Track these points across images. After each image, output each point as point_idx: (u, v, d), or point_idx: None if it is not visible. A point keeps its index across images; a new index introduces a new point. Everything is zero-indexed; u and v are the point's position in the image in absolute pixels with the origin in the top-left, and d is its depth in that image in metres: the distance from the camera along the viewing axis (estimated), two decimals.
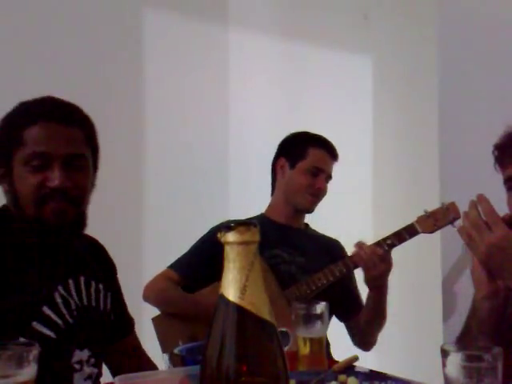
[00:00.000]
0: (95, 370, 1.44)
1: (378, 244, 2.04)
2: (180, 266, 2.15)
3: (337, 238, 2.32)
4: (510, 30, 2.06)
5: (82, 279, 1.48)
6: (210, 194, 2.87)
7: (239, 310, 0.67)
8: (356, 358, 1.37)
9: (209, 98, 2.90)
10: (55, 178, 1.34)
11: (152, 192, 2.71)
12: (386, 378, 1.23)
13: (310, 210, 2.22)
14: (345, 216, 3.15)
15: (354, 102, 3.35)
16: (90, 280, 1.50)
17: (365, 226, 3.34)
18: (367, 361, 1.67)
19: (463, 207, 1.27)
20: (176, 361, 1.72)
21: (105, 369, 1.56)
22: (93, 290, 1.50)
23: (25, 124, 1.36)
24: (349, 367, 1.33)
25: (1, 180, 1.41)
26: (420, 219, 2.07)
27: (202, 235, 2.18)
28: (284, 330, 1.38)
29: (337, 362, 1.37)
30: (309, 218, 2.29)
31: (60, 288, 1.41)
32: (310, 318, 1.32)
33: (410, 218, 3.31)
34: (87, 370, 1.41)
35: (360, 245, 2.03)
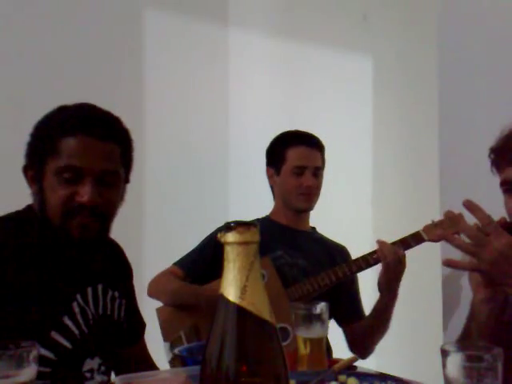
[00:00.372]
0: (105, 378, 1.43)
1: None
2: (185, 263, 2.16)
3: (335, 238, 2.31)
4: (511, 30, 2.06)
5: (100, 287, 1.47)
6: (211, 194, 2.87)
7: (239, 310, 0.67)
8: (356, 358, 1.37)
9: (209, 97, 2.90)
10: (85, 194, 1.32)
11: (152, 192, 2.71)
12: (386, 378, 1.22)
13: (309, 208, 2.22)
14: (344, 216, 3.15)
15: (354, 102, 3.36)
16: (108, 288, 1.49)
17: (365, 226, 3.34)
18: (367, 361, 1.67)
19: (463, 207, 1.26)
20: (176, 361, 1.72)
21: None
22: (109, 298, 1.49)
23: (62, 133, 1.34)
24: (349, 367, 1.33)
25: (31, 181, 1.40)
26: (427, 228, 2.06)
27: (204, 234, 2.19)
28: (284, 325, 1.38)
29: (337, 361, 1.37)
30: (310, 218, 2.28)
31: (78, 297, 1.40)
32: (310, 319, 1.32)
33: (409, 218, 3.31)
34: (98, 378, 1.40)
35: (382, 243, 2.00)
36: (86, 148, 1.33)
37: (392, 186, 3.40)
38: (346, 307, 2.16)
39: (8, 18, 2.39)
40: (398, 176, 3.41)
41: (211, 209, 2.76)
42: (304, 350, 1.32)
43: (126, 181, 1.47)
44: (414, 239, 2.05)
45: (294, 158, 2.17)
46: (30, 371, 0.89)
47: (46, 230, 1.36)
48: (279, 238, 2.14)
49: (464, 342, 1.34)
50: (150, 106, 2.72)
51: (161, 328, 2.09)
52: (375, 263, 2.04)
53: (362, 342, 2.17)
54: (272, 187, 2.28)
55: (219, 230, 2.21)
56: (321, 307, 1.33)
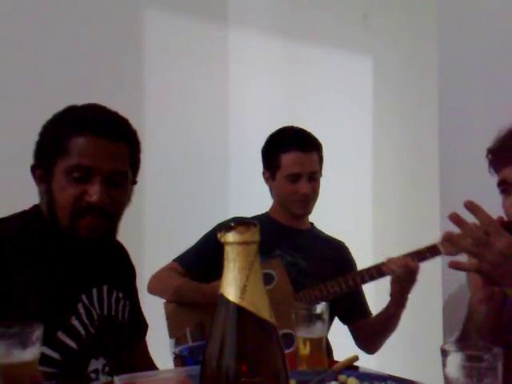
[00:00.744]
0: (109, 378, 1.43)
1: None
2: (184, 260, 2.15)
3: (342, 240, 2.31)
4: (511, 30, 2.06)
5: (105, 288, 1.47)
6: (211, 193, 2.87)
7: (239, 310, 0.67)
8: (356, 358, 1.37)
9: (209, 97, 2.90)
10: (94, 194, 1.33)
11: (152, 191, 2.71)
12: (385, 378, 1.23)
13: (306, 214, 2.20)
14: (344, 216, 3.15)
15: (354, 102, 3.35)
16: (113, 289, 1.49)
17: (365, 226, 3.34)
18: (367, 361, 1.67)
19: (463, 207, 1.26)
20: (176, 361, 1.72)
21: None
22: (114, 299, 1.49)
23: (72, 133, 1.34)
24: (349, 367, 1.33)
25: (39, 181, 1.40)
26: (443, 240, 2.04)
27: (204, 232, 2.18)
28: (289, 331, 1.38)
29: (337, 361, 1.37)
30: (309, 218, 2.28)
31: (84, 298, 1.40)
32: (310, 318, 1.32)
33: (409, 218, 3.31)
34: (102, 378, 1.40)
35: (391, 259, 1.96)
36: (96, 148, 1.34)
37: (392, 186, 3.40)
38: (350, 305, 2.15)
39: (8, 18, 2.39)
40: (397, 176, 3.41)
41: (211, 208, 2.76)
42: (304, 349, 1.32)
43: (134, 182, 1.48)
44: (430, 251, 2.00)
45: (288, 165, 2.10)
46: (33, 350, 0.89)
47: (54, 229, 1.36)
48: (278, 237, 2.13)
49: (463, 341, 1.34)
50: (150, 105, 2.72)
51: (167, 324, 2.08)
52: (388, 274, 2.00)
53: (370, 340, 2.18)
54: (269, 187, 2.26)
55: (219, 226, 2.21)
56: (321, 307, 1.33)
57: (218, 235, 0.69)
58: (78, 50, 2.49)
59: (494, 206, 1.44)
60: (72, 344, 1.35)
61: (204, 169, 2.87)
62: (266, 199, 2.30)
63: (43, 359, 1.06)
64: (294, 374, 1.21)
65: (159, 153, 2.75)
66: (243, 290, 0.67)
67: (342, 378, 1.24)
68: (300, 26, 3.15)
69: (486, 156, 1.48)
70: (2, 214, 1.42)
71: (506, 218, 1.40)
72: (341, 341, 2.22)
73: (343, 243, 2.28)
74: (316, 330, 1.32)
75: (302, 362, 1.32)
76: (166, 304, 2.12)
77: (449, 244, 1.97)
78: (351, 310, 2.16)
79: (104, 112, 1.42)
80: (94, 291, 1.44)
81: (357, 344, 2.20)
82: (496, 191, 1.48)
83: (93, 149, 1.34)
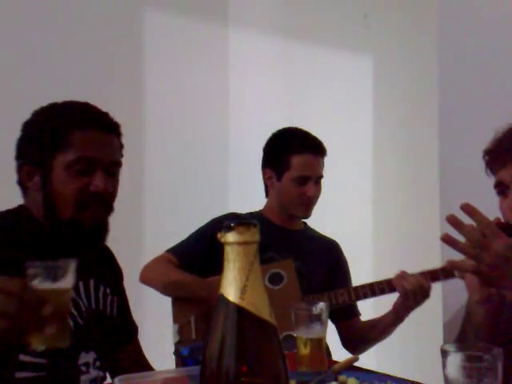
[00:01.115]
0: (100, 373, 1.44)
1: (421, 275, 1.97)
2: (179, 251, 2.13)
3: (335, 239, 2.30)
4: (511, 30, 2.06)
5: (92, 282, 1.48)
6: (210, 193, 2.87)
7: (239, 310, 0.67)
8: (356, 358, 1.37)
9: (209, 97, 2.90)
10: (100, 183, 1.37)
11: (152, 191, 2.72)
12: (386, 378, 1.23)
13: (307, 217, 2.19)
14: (345, 216, 3.16)
15: (354, 102, 3.36)
16: (99, 284, 1.50)
17: (365, 226, 3.34)
18: (367, 361, 1.67)
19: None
20: (176, 361, 1.72)
21: None
22: (101, 293, 1.50)
23: (69, 128, 1.38)
24: (349, 367, 1.33)
25: (27, 178, 1.41)
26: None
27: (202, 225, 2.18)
28: (290, 333, 1.39)
29: (337, 362, 1.37)
30: (309, 219, 2.28)
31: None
32: (309, 319, 1.32)
33: (409, 218, 3.31)
34: (93, 372, 1.41)
35: (403, 274, 1.95)
36: (95, 140, 1.40)
37: (392, 186, 3.40)
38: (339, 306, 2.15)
39: (8, 18, 2.39)
40: (398, 176, 3.41)
41: (211, 207, 2.75)
42: (304, 349, 1.32)
43: None
44: (443, 273, 1.97)
45: (299, 166, 2.10)
46: (69, 280, 1.02)
47: (51, 224, 1.38)
48: (272, 238, 2.12)
49: (462, 343, 1.34)
50: (150, 105, 2.73)
51: (172, 308, 2.07)
52: (398, 289, 1.97)
53: (359, 342, 2.17)
54: (266, 186, 2.24)
55: (214, 220, 2.19)
56: (321, 307, 1.33)
57: (218, 235, 0.68)
58: (77, 49, 2.50)
59: (494, 206, 1.44)
60: None
61: (204, 168, 2.87)
62: (265, 198, 2.30)
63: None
64: (294, 375, 1.21)
65: (159, 152, 2.75)
66: (243, 291, 0.67)
67: (342, 378, 1.25)
68: (300, 26, 3.15)
69: (483, 157, 1.48)
70: None
71: (503, 220, 1.40)
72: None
73: (336, 242, 2.27)
74: (316, 330, 1.32)
75: (302, 362, 1.33)
76: None
77: (454, 269, 1.96)
78: (342, 309, 2.15)
79: (92, 107, 1.45)
80: (81, 284, 1.44)
81: (343, 343, 2.20)
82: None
83: (92, 141, 1.39)
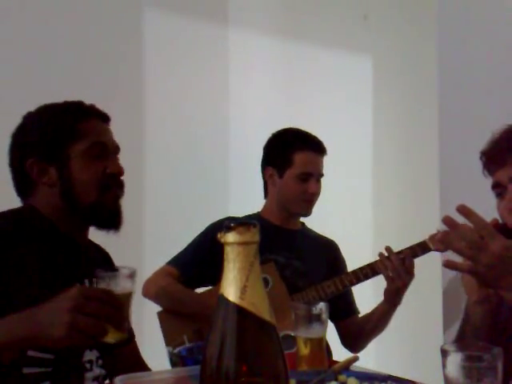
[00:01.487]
0: (103, 372, 1.46)
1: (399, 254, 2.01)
2: (179, 262, 2.14)
3: (335, 239, 2.31)
4: (511, 30, 2.06)
5: (95, 281, 1.50)
6: (211, 194, 2.87)
7: (239, 310, 0.67)
8: (356, 358, 1.37)
9: (209, 97, 2.90)
10: (117, 165, 1.49)
11: (152, 191, 2.72)
12: (386, 378, 1.23)
13: (307, 214, 2.20)
14: (345, 216, 3.16)
15: (354, 102, 3.35)
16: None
17: (365, 227, 3.34)
18: (367, 361, 1.67)
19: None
20: (176, 361, 1.72)
21: None
22: None
23: (77, 119, 1.47)
24: (349, 367, 1.33)
25: (40, 174, 1.45)
26: (432, 237, 2.05)
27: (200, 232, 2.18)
28: (288, 333, 1.39)
29: (337, 362, 1.37)
30: (309, 219, 2.28)
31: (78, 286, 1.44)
32: (309, 319, 1.32)
33: (409, 218, 3.31)
34: (96, 370, 1.44)
35: (386, 253, 1.98)
36: (103, 128, 1.52)
37: (392, 186, 3.40)
38: (338, 303, 2.15)
39: (8, 18, 2.39)
40: (397, 176, 3.41)
41: (211, 208, 2.76)
42: (304, 349, 1.32)
43: None
44: (420, 248, 2.03)
45: (302, 163, 2.12)
46: (131, 284, 1.16)
47: (78, 211, 1.46)
48: (271, 238, 2.12)
49: (462, 343, 1.34)
50: (150, 105, 2.72)
51: (163, 332, 2.07)
52: (381, 271, 2.02)
53: (358, 338, 2.18)
54: (265, 185, 2.24)
55: (212, 226, 2.20)
56: (320, 307, 1.33)
57: (218, 235, 0.69)
58: (78, 49, 2.50)
59: (494, 206, 1.45)
60: None
61: (204, 169, 2.87)
62: (264, 199, 2.30)
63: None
64: (294, 374, 1.21)
65: (159, 152, 2.75)
66: (243, 291, 0.67)
67: (342, 377, 1.25)
68: (300, 26, 3.15)
69: (480, 158, 1.48)
70: None
71: (500, 220, 1.40)
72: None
73: (334, 242, 2.28)
74: (316, 330, 1.32)
75: (302, 361, 1.33)
76: (159, 313, 2.11)
77: (442, 244, 1.98)
78: (340, 307, 2.15)
79: (83, 102, 1.55)
80: (86, 282, 1.47)
81: (342, 342, 2.21)
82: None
83: (100, 129, 1.51)
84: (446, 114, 2.27)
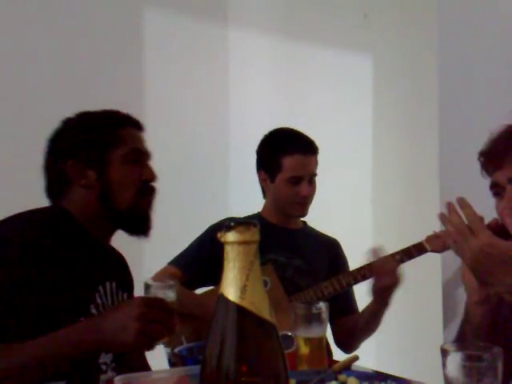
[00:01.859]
0: (115, 375, 1.47)
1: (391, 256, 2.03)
2: (181, 262, 2.15)
3: (335, 237, 2.31)
4: (511, 30, 2.06)
5: (114, 285, 1.55)
6: (211, 193, 2.87)
7: (239, 309, 0.67)
8: (356, 358, 1.37)
9: (209, 97, 2.90)
10: (151, 171, 1.57)
11: None
12: (386, 378, 1.23)
13: (303, 216, 2.20)
14: (344, 216, 3.15)
15: (354, 102, 3.35)
16: (118, 288, 1.56)
17: (365, 226, 3.34)
18: (367, 361, 1.67)
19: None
20: (176, 361, 1.72)
21: None
22: (120, 297, 1.56)
23: (118, 126, 1.54)
24: (349, 367, 1.33)
25: (80, 176, 1.48)
26: (429, 238, 2.06)
27: (201, 233, 2.18)
28: (287, 333, 1.38)
29: (337, 361, 1.37)
30: (309, 218, 2.28)
31: (100, 288, 1.48)
32: (309, 318, 1.32)
33: (409, 218, 3.31)
34: (109, 373, 1.46)
35: (375, 252, 2.01)
36: (139, 135, 1.59)
37: (392, 186, 3.40)
38: (338, 300, 2.15)
39: (8, 18, 2.38)
40: (397, 176, 3.41)
41: (211, 208, 2.76)
42: (304, 349, 1.32)
43: None
44: (416, 249, 2.03)
45: (291, 167, 2.11)
46: (175, 295, 1.34)
47: (112, 214, 1.51)
48: (272, 238, 2.12)
49: (462, 343, 1.34)
50: (150, 105, 2.72)
51: None
52: (367, 277, 2.05)
53: (350, 338, 2.17)
54: (263, 187, 2.25)
55: (213, 227, 2.21)
56: (320, 307, 1.33)
57: (218, 235, 0.69)
58: (78, 49, 2.49)
59: (493, 206, 1.45)
60: None
61: (204, 169, 2.87)
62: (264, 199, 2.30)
63: None
64: (294, 374, 1.21)
65: (159, 152, 2.74)
66: (243, 290, 0.67)
67: (342, 377, 1.25)
68: (300, 26, 3.15)
69: (478, 159, 1.48)
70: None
71: (499, 221, 1.40)
72: None
73: (336, 240, 2.28)
74: (316, 330, 1.32)
75: (302, 361, 1.33)
76: None
77: (435, 242, 1.99)
78: (338, 304, 2.14)
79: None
80: (108, 284, 1.51)
81: (335, 341, 2.20)
82: None
83: (137, 136, 1.58)
84: (446, 114, 2.27)
